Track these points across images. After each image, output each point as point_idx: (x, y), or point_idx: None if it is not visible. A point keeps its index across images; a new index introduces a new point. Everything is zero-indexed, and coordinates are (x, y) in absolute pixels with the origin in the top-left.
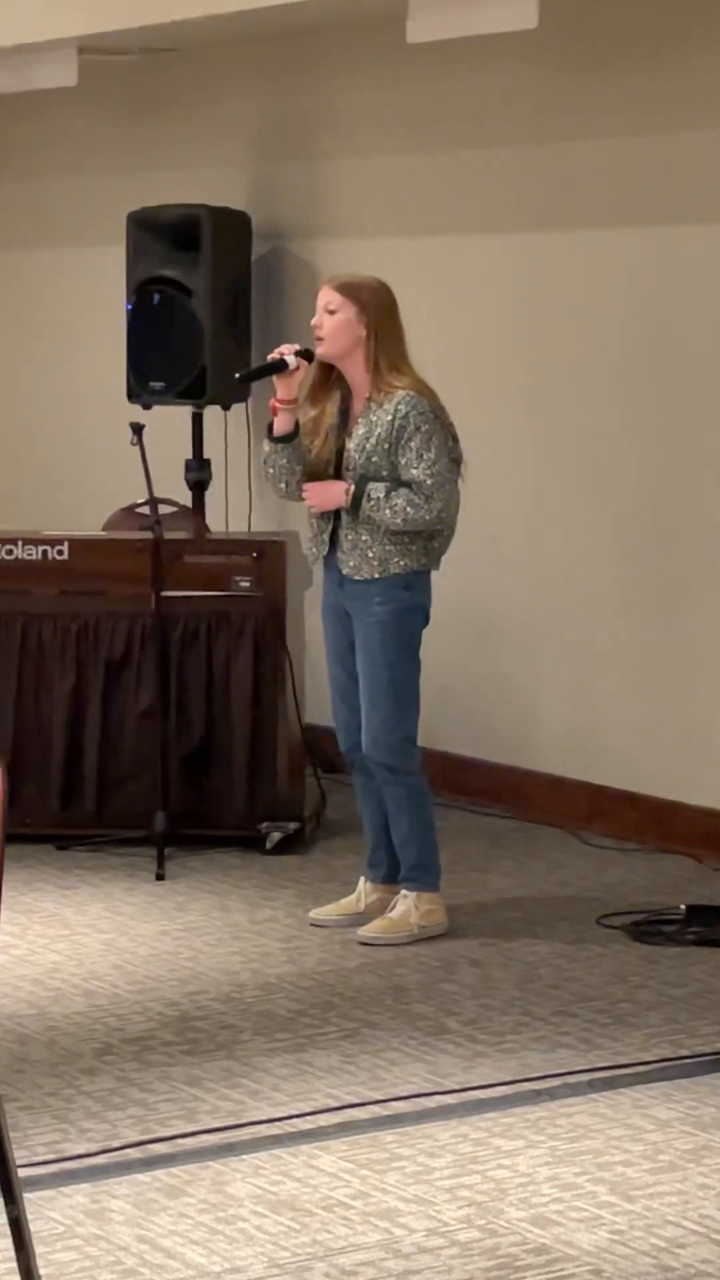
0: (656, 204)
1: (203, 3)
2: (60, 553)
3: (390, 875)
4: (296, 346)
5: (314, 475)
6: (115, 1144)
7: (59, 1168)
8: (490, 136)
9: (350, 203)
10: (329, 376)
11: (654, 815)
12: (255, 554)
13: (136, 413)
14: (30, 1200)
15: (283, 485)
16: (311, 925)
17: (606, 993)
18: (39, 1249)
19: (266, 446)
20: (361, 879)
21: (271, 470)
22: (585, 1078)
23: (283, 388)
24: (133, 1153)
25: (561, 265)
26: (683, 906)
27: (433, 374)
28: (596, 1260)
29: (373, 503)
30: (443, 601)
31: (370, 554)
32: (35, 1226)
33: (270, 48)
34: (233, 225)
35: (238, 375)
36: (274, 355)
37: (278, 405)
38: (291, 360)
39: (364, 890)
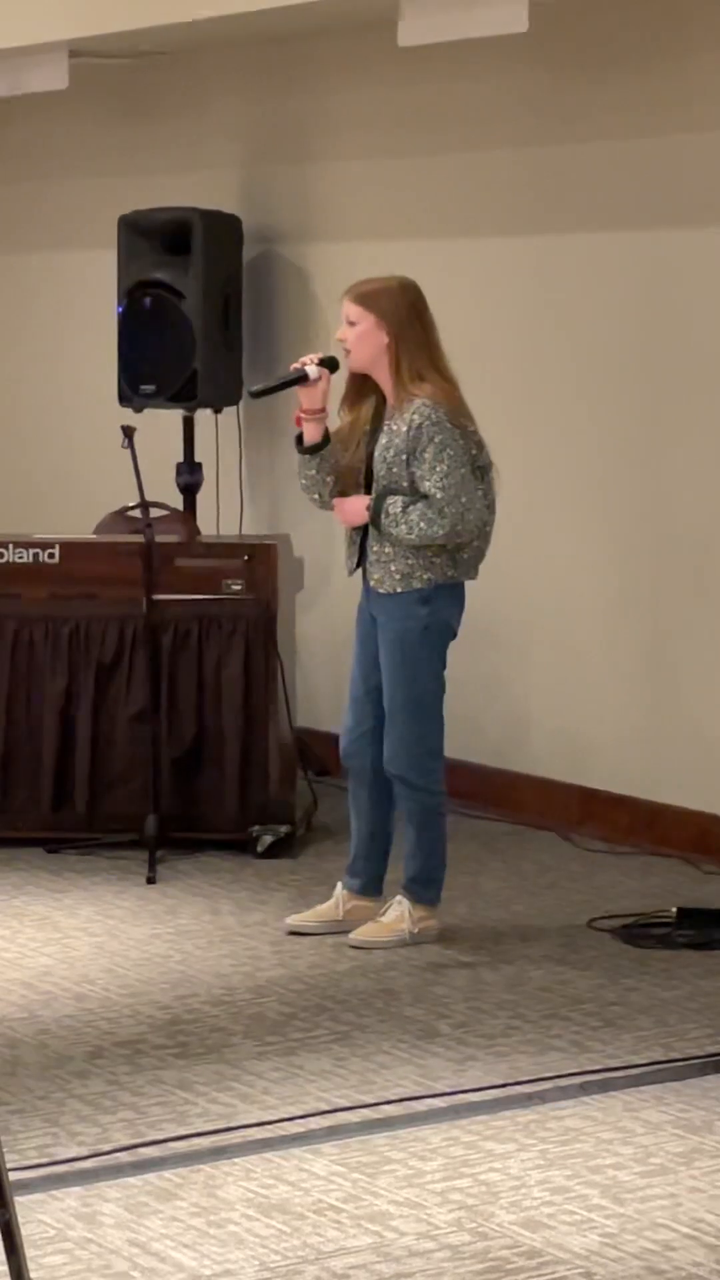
0: (648, 207)
1: (194, 6)
2: (51, 556)
3: (368, 887)
4: (319, 356)
5: (346, 484)
6: (106, 1147)
7: (50, 1171)
8: (481, 140)
9: (341, 206)
10: (365, 383)
11: (645, 818)
12: (246, 557)
13: (128, 416)
14: (21, 1204)
15: (316, 497)
16: (289, 934)
17: (597, 996)
18: (30, 1253)
19: (297, 458)
20: (339, 885)
21: (304, 482)
22: (576, 1081)
23: (307, 399)
24: (124, 1156)
25: (554, 268)
26: (673, 909)
27: None
28: (587, 1263)
29: (390, 519)
30: None
31: (393, 567)
32: (26, 1230)
33: (262, 51)
34: (224, 228)
35: (254, 390)
36: (295, 366)
37: (303, 417)
38: (313, 371)
39: (341, 897)
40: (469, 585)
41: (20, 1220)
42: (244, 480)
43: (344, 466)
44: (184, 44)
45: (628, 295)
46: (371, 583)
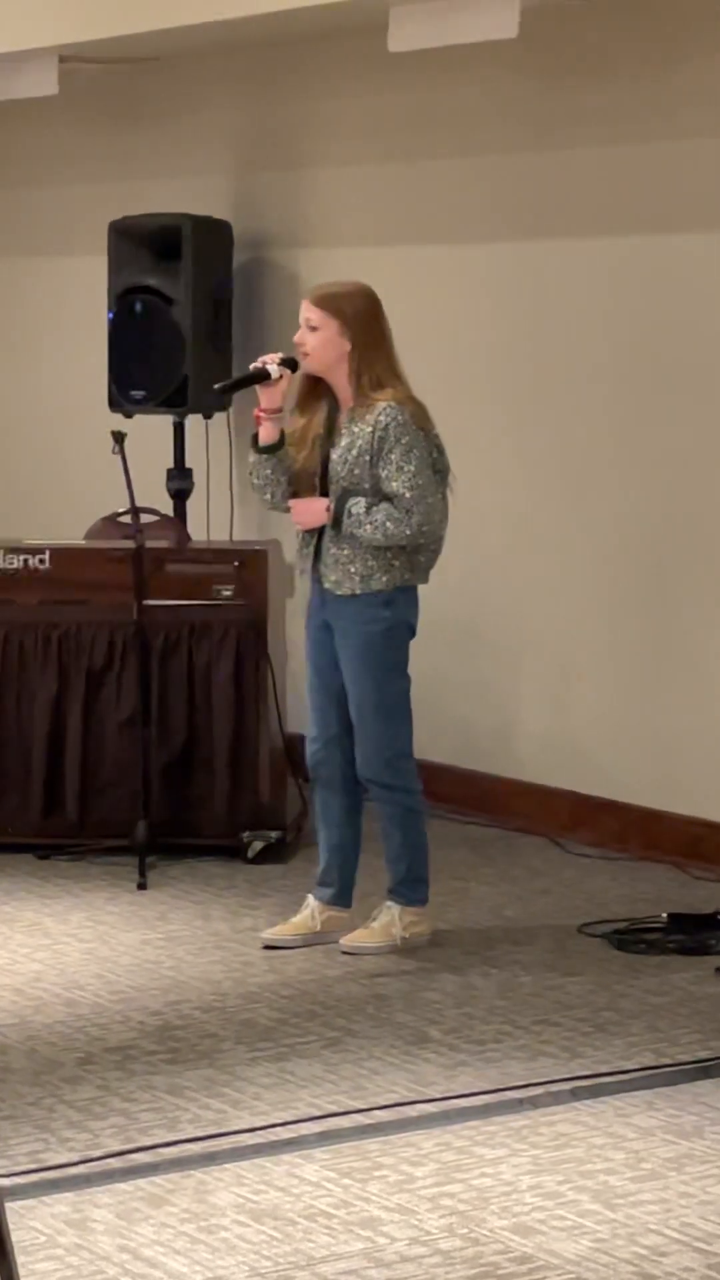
0: (637, 213)
1: (184, 12)
2: (42, 562)
3: (339, 897)
4: (280, 355)
5: (300, 486)
6: (97, 1153)
7: (40, 1177)
8: (471, 145)
9: (332, 212)
10: (317, 386)
11: (636, 823)
12: (237, 563)
13: (118, 421)
14: (11, 1210)
15: (268, 496)
16: (265, 949)
17: (588, 1001)
18: (20, 1259)
19: (251, 456)
20: (310, 896)
21: (257, 480)
22: (567, 1086)
23: (266, 397)
24: (114, 1162)
25: (543, 274)
26: (664, 915)
27: (415, 383)
28: (579, 1269)
29: (353, 519)
30: (424, 610)
31: (352, 569)
32: (16, 1236)
33: (252, 57)
34: (214, 234)
35: (217, 386)
36: (256, 364)
37: (261, 415)
38: (274, 370)
39: (315, 908)
40: (461, 591)
41: (11, 1226)
42: (234, 486)
43: (298, 469)
44: (174, 50)
45: (618, 301)
46: (328, 585)
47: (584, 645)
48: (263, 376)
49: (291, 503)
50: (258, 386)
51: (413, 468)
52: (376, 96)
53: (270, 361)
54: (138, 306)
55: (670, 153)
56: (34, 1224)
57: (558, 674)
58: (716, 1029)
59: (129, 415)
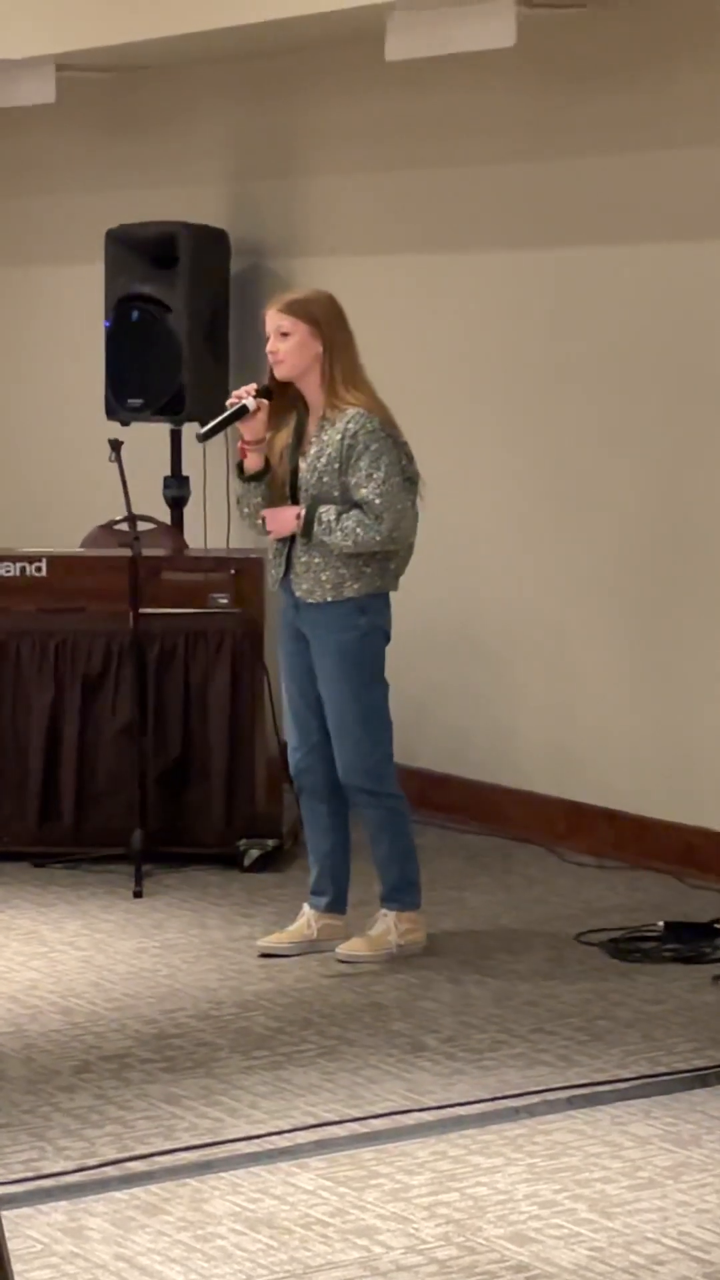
0: (634, 221)
1: (181, 20)
2: (38, 569)
3: (335, 904)
4: (254, 387)
5: (271, 496)
6: (93, 1162)
7: (36, 1185)
8: (468, 154)
9: (328, 220)
10: (284, 396)
11: (632, 832)
12: (233, 571)
13: (115, 429)
14: (7, 1218)
15: (259, 523)
16: (261, 956)
17: (585, 1010)
18: (17, 1267)
19: (239, 487)
20: (305, 905)
21: (247, 510)
22: (564, 1095)
23: (248, 430)
24: (110, 1170)
25: (541, 282)
26: (661, 923)
27: (412, 392)
28: (575, 1278)
29: (323, 526)
30: (420, 618)
31: (323, 577)
32: (13, 1245)
33: (249, 65)
34: (211, 242)
35: (200, 433)
36: (232, 401)
37: (246, 447)
38: (251, 404)
39: (311, 916)
40: (458, 600)
41: (7, 1235)
42: (231, 494)
43: (270, 479)
44: (171, 58)
45: (618, 309)
46: (299, 593)
47: (581, 653)
48: (242, 412)
49: (263, 512)
50: (238, 422)
51: (382, 474)
52: (373, 105)
53: (246, 395)
54: (135, 315)
55: (668, 161)
56: (30, 1232)
57: (554, 683)
58: (713, 1037)
59: (126, 423)
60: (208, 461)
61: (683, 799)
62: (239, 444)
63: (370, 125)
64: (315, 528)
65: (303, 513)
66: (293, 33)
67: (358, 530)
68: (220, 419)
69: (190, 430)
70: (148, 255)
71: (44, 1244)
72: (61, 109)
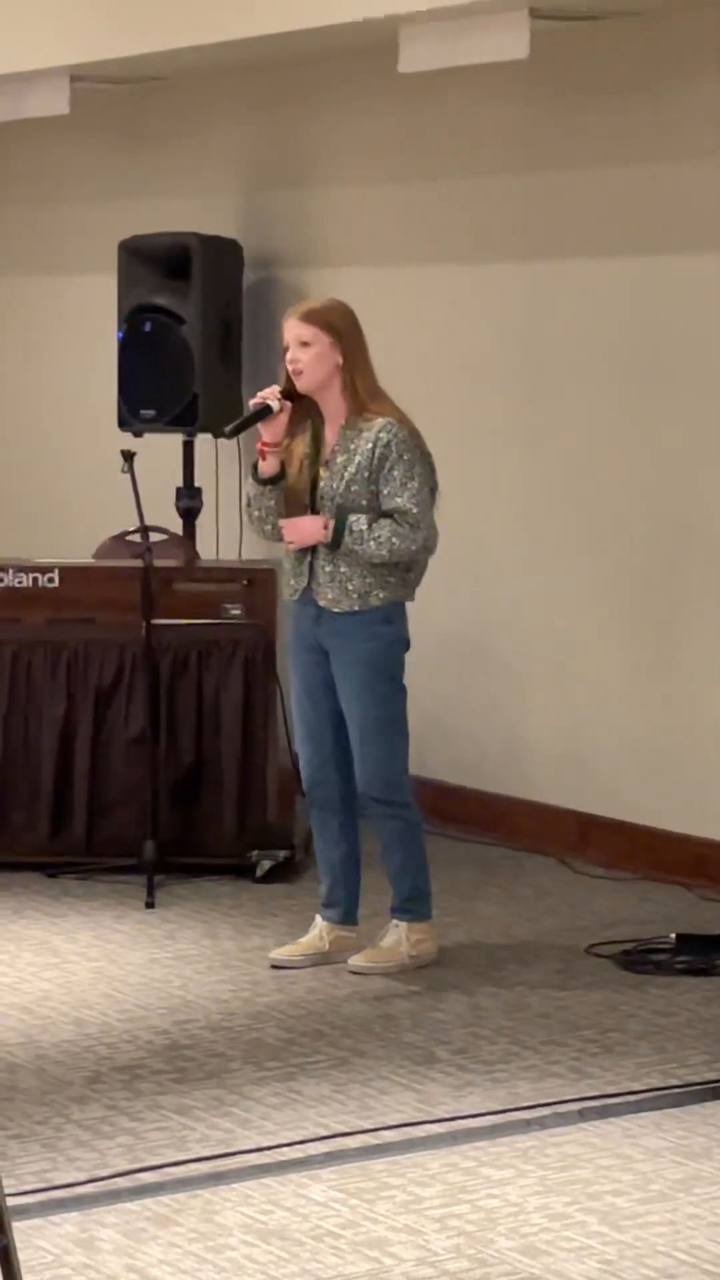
0: (646, 234)
1: (195, 32)
2: (51, 580)
3: (346, 916)
4: (277, 389)
5: (291, 507)
6: (104, 1173)
7: (48, 1196)
8: (481, 166)
9: (341, 231)
10: (300, 407)
11: (643, 843)
12: (245, 582)
13: (127, 440)
14: (19, 1229)
15: (268, 527)
16: (273, 968)
17: (596, 1022)
18: (28, 1279)
19: (252, 489)
20: (318, 917)
21: (258, 513)
22: (575, 1107)
23: (269, 432)
24: (122, 1181)
25: (552, 294)
26: (672, 935)
27: (422, 402)
28: None
29: (355, 535)
30: (432, 629)
31: (350, 586)
32: (24, 1256)
33: (262, 77)
34: (224, 254)
35: (225, 431)
36: (256, 401)
37: (265, 449)
38: (275, 404)
39: (323, 928)
40: (468, 611)
41: (18, 1246)
42: (243, 505)
43: (288, 489)
44: (185, 70)
45: (627, 321)
46: (323, 603)
47: (592, 664)
48: (266, 412)
49: (283, 523)
50: (259, 423)
51: (415, 484)
52: (386, 117)
53: (270, 396)
54: (147, 326)
55: (680, 173)
56: (41, 1244)
57: (566, 694)
58: None
59: (138, 434)
60: (220, 472)
61: (694, 811)
62: (258, 444)
63: (383, 137)
64: (346, 537)
65: (330, 523)
66: (306, 45)
67: (393, 539)
68: (244, 418)
69: (202, 442)
70: (161, 266)
71: (55, 1255)
72: (75, 120)
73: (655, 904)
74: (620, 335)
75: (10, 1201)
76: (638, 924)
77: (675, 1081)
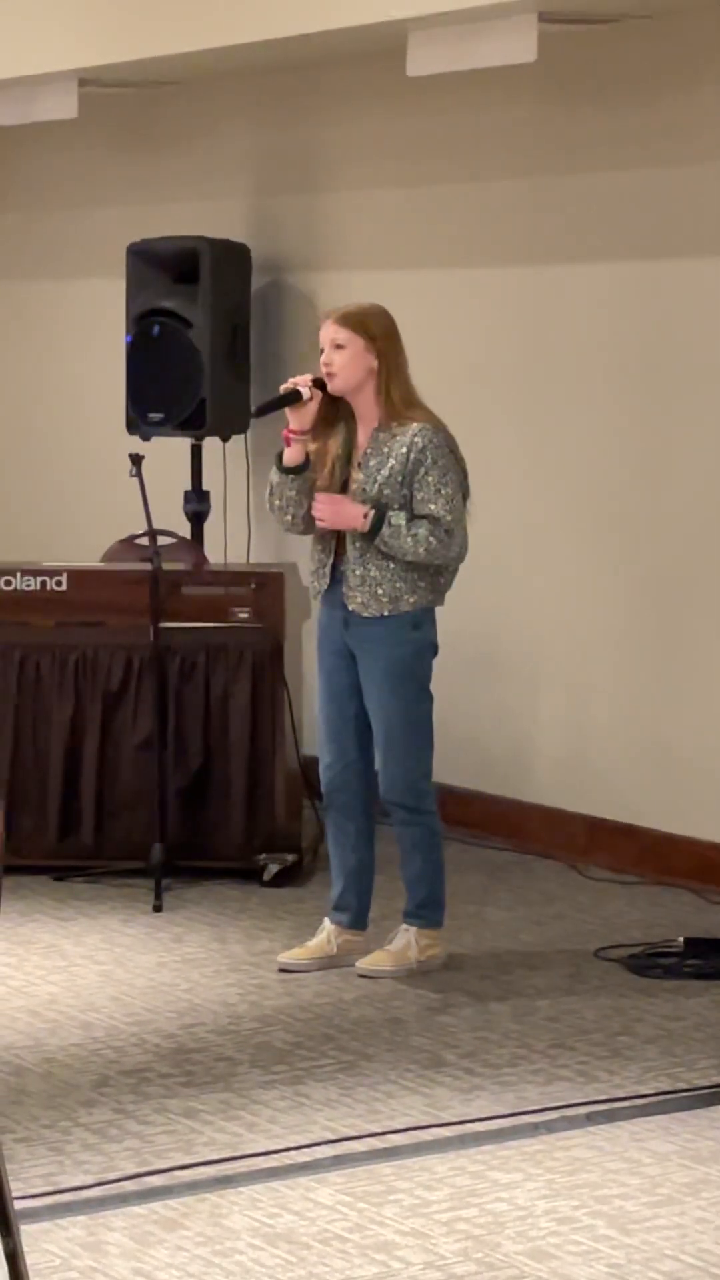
0: (655, 238)
1: (203, 36)
2: (59, 584)
3: (357, 920)
4: (310, 377)
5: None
6: (112, 1176)
7: (55, 1200)
8: (489, 170)
9: (349, 235)
10: (333, 408)
11: (652, 847)
12: (254, 585)
13: (136, 444)
14: (26, 1233)
15: (289, 518)
16: (280, 971)
17: (604, 1026)
18: None
19: (275, 477)
20: (326, 920)
21: (279, 502)
22: (583, 1111)
23: (296, 419)
24: (129, 1185)
25: (561, 298)
26: (681, 939)
27: (436, 406)
28: None
29: (393, 529)
30: (440, 634)
31: (380, 591)
32: (31, 1259)
33: (270, 81)
34: (232, 258)
35: (254, 410)
36: (287, 386)
37: (290, 436)
38: (305, 391)
39: (331, 932)
40: (477, 615)
41: (25, 1249)
42: (251, 508)
43: (319, 490)
44: (193, 74)
45: (635, 325)
46: (353, 607)
47: (600, 669)
48: (295, 398)
49: (319, 497)
50: (287, 408)
51: (449, 490)
52: (394, 121)
53: (302, 383)
54: (156, 329)
55: (687, 177)
56: (49, 1247)
57: (575, 699)
58: None
59: (147, 438)
60: (228, 476)
61: (703, 815)
62: (284, 431)
63: (391, 140)
64: (385, 529)
65: (370, 513)
66: (314, 48)
67: (430, 539)
68: (274, 398)
69: (211, 445)
70: (169, 270)
71: (62, 1258)
72: (83, 124)
73: (663, 908)
74: (631, 339)
75: (17, 1205)
76: (646, 928)
77: (683, 1085)
